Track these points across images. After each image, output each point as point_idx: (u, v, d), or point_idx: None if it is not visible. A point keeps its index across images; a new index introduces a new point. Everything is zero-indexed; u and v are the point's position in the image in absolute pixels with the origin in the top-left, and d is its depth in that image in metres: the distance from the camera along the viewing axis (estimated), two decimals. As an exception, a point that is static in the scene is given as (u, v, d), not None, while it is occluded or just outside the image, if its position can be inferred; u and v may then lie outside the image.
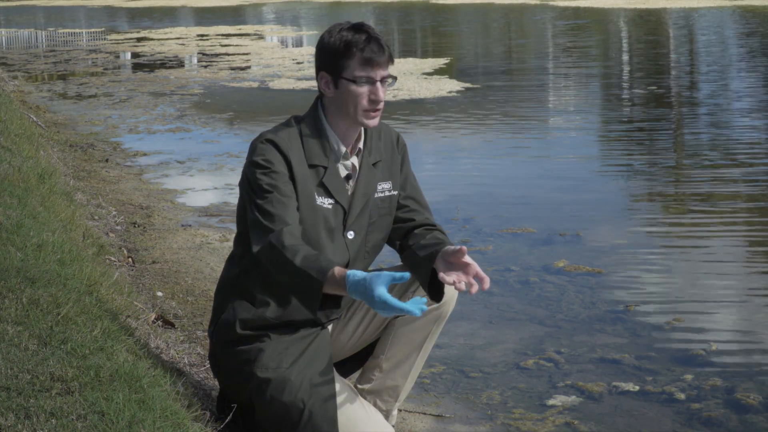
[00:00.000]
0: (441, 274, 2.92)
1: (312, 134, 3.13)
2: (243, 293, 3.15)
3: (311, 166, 3.10)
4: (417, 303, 2.70)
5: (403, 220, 3.29)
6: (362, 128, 3.21)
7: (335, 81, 3.09)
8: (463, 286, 2.87)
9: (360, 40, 3.06)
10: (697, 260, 5.72)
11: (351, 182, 3.18)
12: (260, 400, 3.07)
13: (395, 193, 3.27)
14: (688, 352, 4.39)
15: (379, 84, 3.08)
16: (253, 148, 3.10)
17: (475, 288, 2.87)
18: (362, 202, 3.17)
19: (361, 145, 3.20)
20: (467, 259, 2.93)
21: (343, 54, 3.06)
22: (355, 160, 3.19)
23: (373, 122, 3.12)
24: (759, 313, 4.88)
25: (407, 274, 2.71)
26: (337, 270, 2.83)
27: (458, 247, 2.95)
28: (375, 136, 3.25)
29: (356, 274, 2.79)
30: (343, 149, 3.16)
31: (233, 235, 6.29)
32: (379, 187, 3.23)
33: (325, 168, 3.12)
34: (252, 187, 3.05)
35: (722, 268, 5.55)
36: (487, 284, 2.89)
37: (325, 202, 3.12)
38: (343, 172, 3.17)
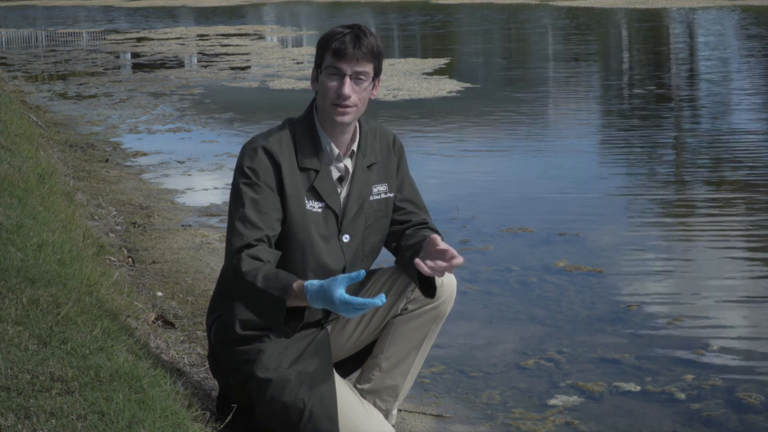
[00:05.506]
0: (417, 260, 2.94)
1: (304, 137, 3.11)
2: None
3: (303, 170, 3.08)
4: (378, 296, 2.72)
5: (400, 222, 3.29)
6: (356, 129, 3.18)
7: (317, 75, 3.09)
8: (438, 272, 2.93)
9: (340, 32, 3.04)
10: (697, 260, 5.72)
11: (344, 184, 3.16)
12: (260, 400, 3.06)
13: (391, 195, 3.26)
14: (688, 352, 4.38)
15: (347, 79, 3.02)
16: (243, 153, 3.08)
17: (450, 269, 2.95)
18: (357, 204, 3.16)
19: (354, 147, 3.18)
20: (442, 246, 2.96)
21: (323, 46, 3.07)
22: (348, 161, 3.17)
23: (341, 119, 3.05)
24: (759, 312, 4.88)
25: (362, 272, 2.73)
26: (296, 284, 2.83)
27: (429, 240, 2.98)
28: (370, 137, 3.22)
29: (313, 283, 2.80)
30: (336, 151, 3.13)
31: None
32: (375, 190, 3.21)
33: (317, 171, 3.10)
34: (233, 194, 3.06)
35: (723, 268, 5.54)
36: (457, 260, 2.93)
37: (315, 206, 3.10)
38: (336, 175, 3.15)
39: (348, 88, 3.02)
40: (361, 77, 3.04)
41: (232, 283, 2.96)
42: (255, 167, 3.03)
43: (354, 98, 3.03)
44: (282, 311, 2.85)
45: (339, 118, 3.05)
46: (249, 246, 2.95)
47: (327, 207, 3.12)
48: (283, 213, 3.05)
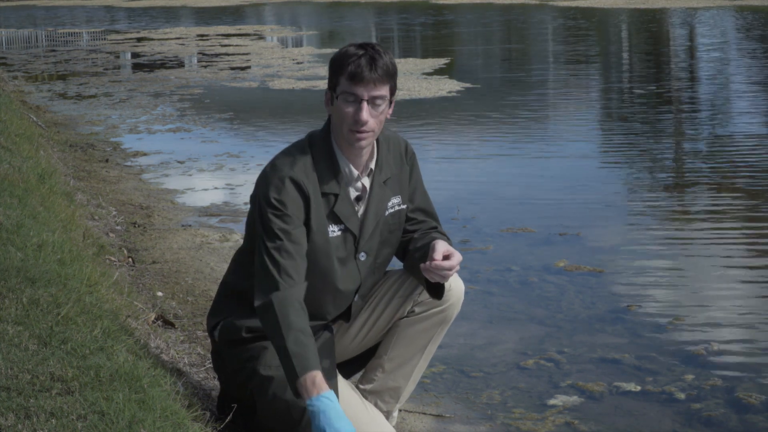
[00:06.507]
0: (422, 266, 3.02)
1: (323, 160, 3.03)
2: (252, 304, 3.12)
3: (323, 195, 3.03)
4: None
5: (411, 232, 3.27)
6: (374, 147, 3.12)
7: (332, 98, 3.02)
8: (437, 275, 3.03)
9: (355, 54, 2.96)
10: (697, 259, 5.72)
11: (362, 203, 3.12)
12: (262, 398, 3.06)
13: (404, 207, 3.23)
14: (688, 351, 4.39)
15: (365, 104, 2.95)
16: (268, 181, 2.99)
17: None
18: (374, 223, 3.13)
19: (372, 164, 3.11)
20: (441, 253, 3.03)
21: (337, 69, 2.99)
22: (366, 180, 3.11)
23: (359, 144, 3.00)
24: (759, 312, 4.88)
25: None
26: (318, 380, 2.78)
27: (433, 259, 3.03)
28: (384, 150, 3.16)
29: (330, 402, 2.74)
30: (355, 173, 3.07)
31: (233, 236, 6.31)
32: (389, 204, 3.17)
33: (336, 195, 3.04)
34: (263, 226, 2.97)
35: (723, 268, 5.54)
36: (451, 262, 3.03)
37: (336, 230, 3.06)
38: (353, 195, 3.10)
39: (366, 113, 2.95)
40: (378, 101, 2.98)
41: (266, 321, 2.90)
42: (283, 199, 2.95)
43: (371, 123, 2.97)
44: (294, 384, 2.82)
45: (357, 144, 3.00)
46: (288, 276, 2.90)
47: (346, 229, 3.08)
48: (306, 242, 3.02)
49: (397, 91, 3.08)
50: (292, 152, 3.06)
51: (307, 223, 3.00)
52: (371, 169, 3.12)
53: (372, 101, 2.96)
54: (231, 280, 3.24)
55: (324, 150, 3.05)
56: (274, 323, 2.86)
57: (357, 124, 2.96)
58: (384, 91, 2.98)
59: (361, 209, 3.12)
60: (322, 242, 3.04)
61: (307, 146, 3.06)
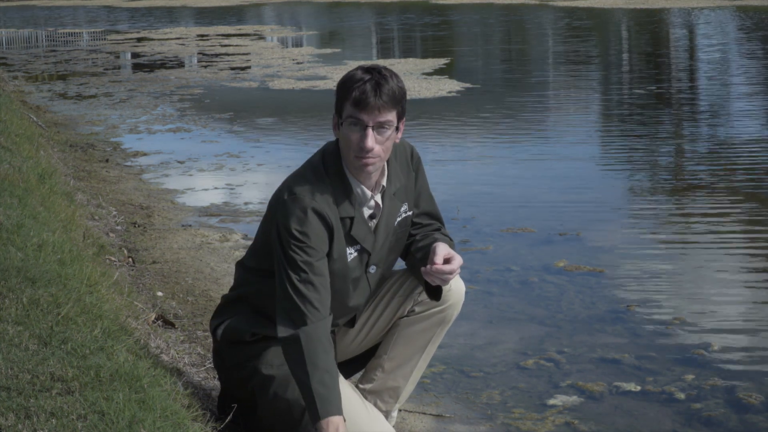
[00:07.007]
0: (423, 269, 3.02)
1: (338, 185, 2.99)
2: (260, 310, 3.13)
3: (341, 219, 3.00)
4: None
5: (414, 234, 3.26)
6: (384, 165, 3.09)
7: (338, 122, 2.98)
8: (438, 279, 3.04)
9: (360, 79, 2.91)
10: (697, 260, 5.72)
11: (374, 220, 3.09)
12: (263, 396, 3.07)
13: (410, 213, 3.21)
14: (688, 352, 4.39)
15: (370, 130, 2.90)
16: (288, 211, 2.93)
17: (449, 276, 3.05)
18: (384, 236, 3.11)
19: (384, 182, 3.08)
20: (442, 256, 3.02)
21: (342, 94, 2.95)
22: (378, 197, 3.08)
23: (366, 170, 2.95)
24: (759, 312, 4.88)
25: None
26: (342, 429, 2.80)
27: (433, 263, 3.02)
28: (392, 159, 3.12)
29: None
30: (368, 193, 3.04)
31: (233, 236, 6.31)
32: (398, 213, 3.16)
33: (352, 219, 3.01)
34: (286, 257, 2.92)
35: (723, 268, 5.54)
36: (454, 264, 3.03)
37: (353, 252, 3.05)
38: (367, 213, 3.08)
39: (371, 140, 2.90)
40: (384, 126, 2.92)
41: (292, 354, 2.89)
42: (307, 231, 2.91)
43: (377, 149, 2.93)
44: (314, 422, 2.83)
45: (364, 170, 2.96)
46: (315, 309, 2.89)
47: (362, 249, 3.07)
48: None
49: (405, 115, 3.02)
50: (309, 177, 3.00)
51: (328, 253, 2.97)
52: (383, 186, 3.08)
53: (377, 127, 2.92)
54: (237, 285, 3.24)
55: (336, 174, 3.01)
56: (299, 358, 2.87)
57: (362, 151, 2.91)
58: (390, 116, 2.93)
59: (373, 225, 3.10)
60: (342, 267, 3.03)
61: (322, 168, 3.01)
